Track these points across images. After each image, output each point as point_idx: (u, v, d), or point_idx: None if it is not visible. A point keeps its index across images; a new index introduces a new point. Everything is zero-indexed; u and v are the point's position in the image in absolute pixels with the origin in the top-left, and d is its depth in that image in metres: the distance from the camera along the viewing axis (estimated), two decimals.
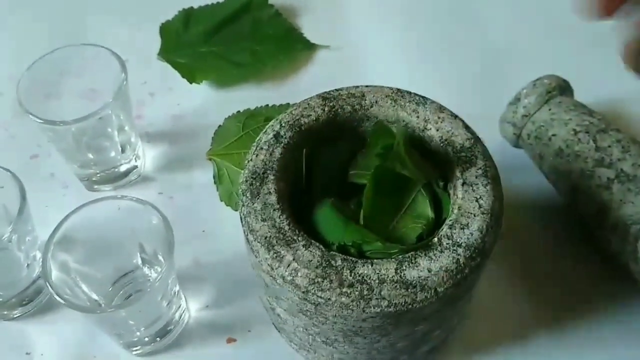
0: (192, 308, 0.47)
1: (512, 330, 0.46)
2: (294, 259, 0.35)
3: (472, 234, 0.36)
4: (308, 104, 0.41)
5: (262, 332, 0.46)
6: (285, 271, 0.35)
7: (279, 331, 0.45)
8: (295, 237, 0.36)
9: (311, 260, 0.35)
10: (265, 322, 0.46)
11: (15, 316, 0.47)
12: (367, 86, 0.41)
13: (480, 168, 0.38)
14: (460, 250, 0.35)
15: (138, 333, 0.43)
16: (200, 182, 0.54)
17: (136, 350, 0.45)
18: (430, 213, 0.38)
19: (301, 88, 0.59)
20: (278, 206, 0.37)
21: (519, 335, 0.46)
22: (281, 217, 0.37)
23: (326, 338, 0.39)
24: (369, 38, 0.64)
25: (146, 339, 0.44)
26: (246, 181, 0.38)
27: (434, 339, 0.41)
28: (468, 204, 0.37)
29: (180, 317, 0.46)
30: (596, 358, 0.45)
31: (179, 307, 0.45)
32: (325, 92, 0.41)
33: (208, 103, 0.58)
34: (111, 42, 0.51)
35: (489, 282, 0.45)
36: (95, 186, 0.53)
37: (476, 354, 0.45)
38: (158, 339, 0.45)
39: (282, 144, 0.39)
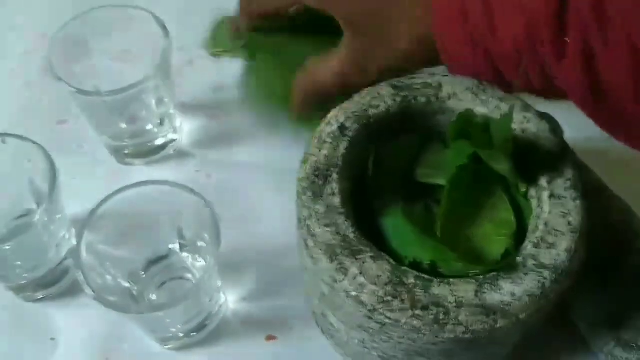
0: (230, 300, 0.44)
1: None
2: (360, 273, 0.31)
3: (559, 255, 0.32)
4: (378, 92, 0.37)
5: (306, 331, 0.42)
6: (351, 286, 0.31)
7: (323, 333, 0.41)
8: (362, 248, 0.32)
9: (380, 276, 0.31)
10: (308, 319, 0.42)
11: (39, 298, 0.44)
12: (444, 76, 0.37)
13: (569, 179, 0.34)
14: (546, 273, 0.31)
15: (173, 329, 0.40)
16: (241, 160, 0.50)
17: (168, 345, 0.42)
18: (513, 220, 0.34)
19: None
20: (342, 210, 0.33)
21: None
22: (346, 222, 0.33)
23: (384, 354, 0.35)
24: None
25: (181, 334, 0.41)
26: (307, 178, 0.34)
27: (499, 357, 0.38)
28: (556, 220, 0.33)
29: (219, 310, 0.43)
30: None
31: (219, 300, 0.42)
32: (397, 79, 0.37)
33: None
34: (147, 3, 0.47)
35: None
36: (127, 159, 0.49)
37: None
38: (193, 334, 0.42)
39: (348, 138, 0.35)
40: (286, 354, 0.42)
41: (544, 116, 0.36)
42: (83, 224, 0.37)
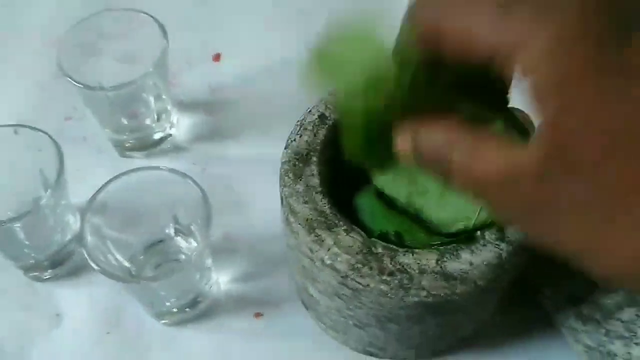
0: (221, 281, 0.48)
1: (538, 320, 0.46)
2: (334, 244, 0.35)
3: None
4: None
5: (290, 308, 0.46)
6: (326, 255, 0.35)
7: (307, 309, 0.45)
8: (336, 222, 0.36)
9: (352, 246, 0.35)
10: (293, 298, 0.46)
11: (46, 277, 0.48)
12: None
13: None
14: (503, 245, 0.35)
15: (168, 303, 0.44)
16: (234, 155, 0.53)
17: (165, 319, 0.45)
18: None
19: None
20: (320, 189, 0.37)
21: (546, 328, 0.46)
22: (323, 200, 0.36)
23: (359, 322, 0.39)
24: None
25: (175, 309, 0.45)
26: (289, 161, 0.38)
27: (467, 327, 0.41)
28: None
29: (210, 289, 0.46)
30: None
31: (210, 279, 0.45)
32: None
33: (246, 73, 0.58)
34: (152, 6, 0.51)
35: None
36: (128, 152, 0.53)
37: (504, 340, 0.45)
38: (187, 309, 0.45)
39: (327, 126, 0.39)
40: (272, 329, 0.46)
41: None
42: (87, 206, 0.41)
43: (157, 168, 0.43)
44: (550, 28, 0.23)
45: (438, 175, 0.28)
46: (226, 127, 0.55)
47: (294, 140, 0.39)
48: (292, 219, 0.36)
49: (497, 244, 0.35)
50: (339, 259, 0.35)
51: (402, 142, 0.29)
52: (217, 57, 0.58)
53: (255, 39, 0.60)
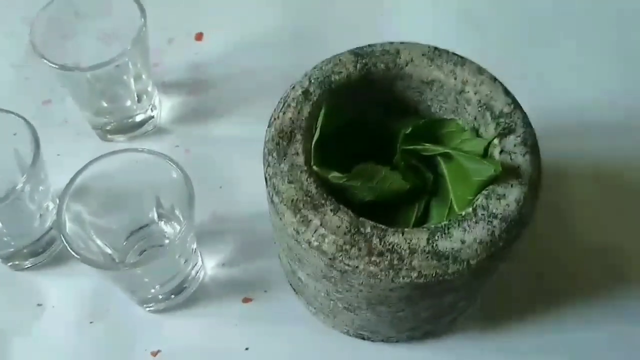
0: (208, 265, 0.46)
1: (529, 302, 0.45)
2: (321, 224, 0.33)
3: (508, 205, 0.34)
4: (339, 59, 0.39)
5: (279, 292, 0.45)
6: (312, 236, 0.33)
7: (296, 293, 0.44)
8: (323, 201, 0.34)
9: (339, 226, 0.33)
10: (282, 282, 0.45)
11: (27, 266, 0.46)
12: (402, 43, 0.39)
13: (519, 136, 0.36)
14: (495, 222, 0.34)
15: (153, 290, 0.42)
16: (218, 135, 0.52)
17: (150, 307, 0.44)
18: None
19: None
20: (305, 168, 0.35)
21: (535, 307, 0.45)
22: (309, 179, 0.35)
23: (349, 304, 0.37)
24: None
25: (160, 296, 0.43)
26: (272, 140, 0.36)
27: (458, 309, 0.40)
28: (505, 174, 0.35)
29: (197, 275, 0.45)
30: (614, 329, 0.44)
31: (196, 264, 0.44)
32: (358, 47, 0.39)
33: (229, 52, 0.56)
34: None
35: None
36: (109, 136, 0.52)
37: (495, 323, 0.44)
38: (173, 296, 0.44)
39: (311, 102, 0.37)
40: (261, 314, 0.44)
41: (496, 79, 0.38)
42: (64, 191, 0.39)
43: (136, 150, 0.41)
44: None
45: None
46: (210, 107, 0.53)
47: (277, 117, 0.37)
48: (276, 200, 0.35)
49: (489, 221, 0.34)
50: (326, 240, 0.33)
51: None
52: (199, 37, 0.56)
53: (238, 17, 0.58)
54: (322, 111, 0.37)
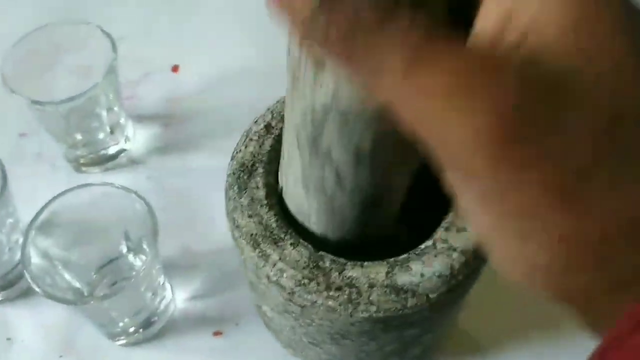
0: (178, 298, 0.46)
1: (505, 331, 0.44)
2: (280, 259, 0.33)
3: (468, 239, 0.34)
4: None
5: (251, 326, 0.44)
6: (271, 271, 0.33)
7: (266, 325, 0.43)
8: (282, 236, 0.34)
9: (298, 261, 0.33)
10: (253, 315, 0.44)
11: None
12: None
13: None
14: (455, 255, 0.33)
15: (121, 324, 0.42)
16: (192, 167, 0.52)
17: (120, 340, 0.44)
18: None
19: None
20: (266, 202, 0.35)
21: (512, 336, 0.44)
22: (269, 213, 0.35)
23: (313, 339, 0.37)
24: None
25: (130, 329, 0.43)
26: (233, 174, 0.36)
27: (424, 342, 0.40)
28: None
29: (166, 308, 0.44)
30: None
31: (164, 297, 0.44)
32: None
33: (204, 84, 0.56)
34: (108, 17, 0.49)
35: (484, 283, 0.44)
36: (84, 168, 0.52)
37: (468, 356, 0.44)
38: (142, 330, 0.44)
39: (273, 135, 0.37)
40: (231, 348, 0.44)
41: None
42: (29, 225, 0.39)
43: (103, 184, 0.41)
44: None
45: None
46: (185, 138, 0.53)
47: (240, 151, 0.37)
48: (236, 235, 0.35)
49: (449, 254, 0.33)
50: (284, 274, 0.33)
51: None
52: (175, 69, 0.57)
53: (214, 50, 0.58)
54: None
